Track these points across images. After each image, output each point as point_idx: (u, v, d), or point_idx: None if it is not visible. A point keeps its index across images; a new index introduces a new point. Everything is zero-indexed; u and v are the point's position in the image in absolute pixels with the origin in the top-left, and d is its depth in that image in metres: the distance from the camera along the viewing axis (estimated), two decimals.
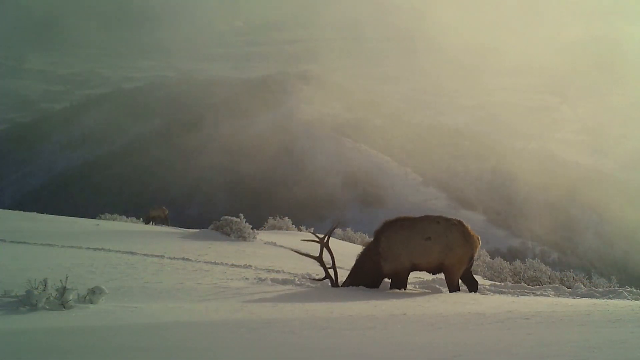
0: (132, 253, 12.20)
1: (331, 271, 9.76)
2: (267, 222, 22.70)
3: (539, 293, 9.91)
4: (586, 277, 14.21)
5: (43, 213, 21.38)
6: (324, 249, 9.87)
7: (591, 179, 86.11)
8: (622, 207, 74.80)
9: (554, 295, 9.73)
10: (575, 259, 63.87)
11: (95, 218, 22.91)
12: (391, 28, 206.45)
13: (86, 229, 17.08)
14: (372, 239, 9.84)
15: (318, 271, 10.64)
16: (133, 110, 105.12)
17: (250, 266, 11.57)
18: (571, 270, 14.69)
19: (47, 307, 6.54)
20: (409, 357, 4.54)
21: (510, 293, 9.79)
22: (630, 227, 71.19)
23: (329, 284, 9.69)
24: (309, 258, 10.18)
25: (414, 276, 10.52)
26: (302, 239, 11.92)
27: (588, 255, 67.80)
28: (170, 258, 11.87)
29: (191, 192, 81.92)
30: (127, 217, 25.12)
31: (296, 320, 6.22)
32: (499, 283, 11.72)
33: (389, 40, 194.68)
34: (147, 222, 25.04)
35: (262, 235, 17.24)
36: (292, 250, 11.98)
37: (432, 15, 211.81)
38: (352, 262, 9.83)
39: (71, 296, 6.71)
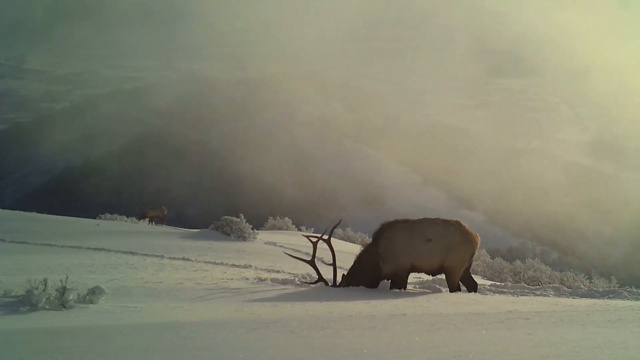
0: (132, 253, 12.20)
1: (330, 270, 9.76)
2: (267, 222, 22.75)
3: (539, 293, 9.92)
4: (586, 277, 14.22)
5: (43, 213, 21.39)
6: (323, 247, 9.86)
7: (591, 179, 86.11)
8: (622, 207, 74.79)
9: (554, 295, 9.73)
10: (575, 259, 63.88)
11: (95, 218, 22.91)
12: (392, 28, 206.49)
13: (86, 229, 17.09)
14: (370, 240, 9.84)
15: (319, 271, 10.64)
16: (133, 110, 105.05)
17: (250, 266, 11.57)
18: (571, 270, 14.69)
19: (47, 307, 6.54)
20: (409, 357, 4.54)
21: (510, 293, 9.79)
22: (630, 227, 71.15)
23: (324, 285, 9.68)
24: (303, 261, 10.19)
25: (414, 276, 10.52)
26: (303, 234, 11.91)
27: (588, 255, 67.78)
28: (170, 258, 11.88)
29: (191, 192, 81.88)
30: (127, 217, 25.11)
31: (296, 320, 6.21)
32: (499, 283, 11.72)
33: (390, 41, 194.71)
34: (139, 219, 25.01)
35: (262, 235, 17.25)
36: (285, 253, 11.94)
37: (432, 16, 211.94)
38: (352, 262, 9.83)
39: (71, 296, 6.71)
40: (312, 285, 9.78)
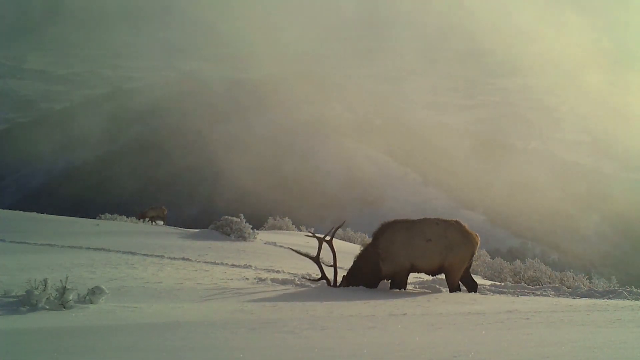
0: (132, 253, 12.20)
1: (329, 270, 9.76)
2: (267, 222, 22.77)
3: (539, 293, 9.91)
4: (586, 277, 14.22)
5: (43, 213, 21.40)
6: (325, 248, 9.87)
7: (591, 179, 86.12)
8: (622, 207, 74.79)
9: (554, 295, 9.73)
10: (575, 259, 63.85)
11: (95, 218, 22.92)
12: (391, 29, 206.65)
13: (86, 229, 17.10)
14: (370, 240, 9.84)
15: (318, 271, 10.64)
16: (133, 110, 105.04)
17: (250, 266, 11.57)
18: (571, 270, 14.69)
19: (47, 307, 6.54)
20: (409, 357, 4.54)
21: (510, 293, 9.79)
22: (630, 227, 71.16)
23: (326, 284, 9.69)
24: (308, 258, 10.19)
25: (414, 276, 10.51)
26: (306, 234, 11.97)
27: (588, 255, 67.78)
28: (170, 258, 11.87)
29: (191, 192, 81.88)
30: (127, 217, 25.12)
31: (296, 320, 6.22)
32: (499, 283, 11.72)
33: (389, 41, 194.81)
34: (139, 219, 25.04)
35: (262, 235, 17.26)
36: (291, 249, 12.01)
37: (432, 16, 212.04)
38: (352, 262, 9.82)
39: (71, 296, 6.71)
40: (314, 282, 9.79)
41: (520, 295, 9.55)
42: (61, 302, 6.59)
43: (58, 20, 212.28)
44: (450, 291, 9.35)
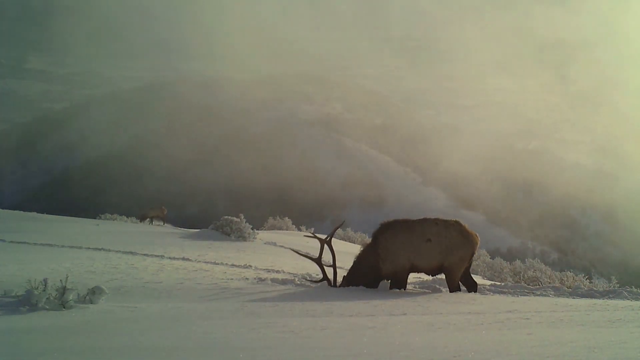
0: (132, 253, 12.19)
1: (331, 271, 9.75)
2: (267, 222, 22.79)
3: (539, 293, 9.91)
4: (586, 277, 14.23)
5: (43, 213, 21.41)
6: (324, 249, 9.86)
7: (591, 179, 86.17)
8: (622, 208, 74.83)
9: (554, 295, 9.73)
10: (575, 259, 63.87)
11: (95, 218, 22.93)
12: (391, 29, 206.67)
13: (86, 229, 17.10)
14: (370, 240, 9.83)
15: (318, 271, 10.64)
16: (133, 110, 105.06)
17: (250, 266, 11.56)
18: (571, 270, 14.70)
19: (47, 307, 6.54)
20: (409, 357, 4.54)
21: (510, 293, 9.78)
22: (630, 227, 71.19)
23: (327, 285, 9.68)
24: (309, 259, 10.17)
25: (414, 276, 10.51)
26: (305, 235, 11.95)
27: (588, 255, 67.80)
28: (170, 258, 11.86)
29: (191, 192, 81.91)
30: (127, 217, 25.13)
31: (296, 320, 6.22)
32: (499, 283, 11.71)
33: (389, 41, 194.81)
34: (141, 220, 25.03)
35: (262, 235, 17.26)
36: (292, 250, 12.00)
37: (432, 16, 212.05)
38: (352, 262, 9.81)
39: (71, 296, 6.71)
40: (315, 283, 9.78)
41: (520, 295, 9.54)
42: (61, 302, 6.59)
43: (59, 20, 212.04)
44: (450, 291, 9.34)
